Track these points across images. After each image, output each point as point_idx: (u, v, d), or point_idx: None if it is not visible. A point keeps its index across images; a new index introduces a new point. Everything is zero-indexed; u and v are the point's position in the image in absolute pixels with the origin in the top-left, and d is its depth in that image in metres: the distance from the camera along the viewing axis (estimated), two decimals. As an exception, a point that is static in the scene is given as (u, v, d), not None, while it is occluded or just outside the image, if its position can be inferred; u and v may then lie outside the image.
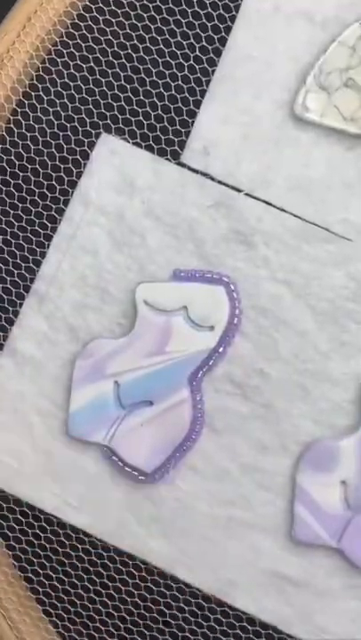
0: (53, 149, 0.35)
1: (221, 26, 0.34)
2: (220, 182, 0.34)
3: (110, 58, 0.35)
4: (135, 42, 0.35)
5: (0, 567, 0.36)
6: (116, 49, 0.35)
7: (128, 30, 0.35)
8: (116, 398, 0.34)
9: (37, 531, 0.36)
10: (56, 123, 0.35)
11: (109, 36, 0.35)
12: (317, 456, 0.34)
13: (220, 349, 0.34)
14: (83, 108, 0.35)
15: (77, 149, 0.35)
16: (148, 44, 0.35)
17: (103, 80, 0.35)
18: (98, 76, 0.35)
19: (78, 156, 0.35)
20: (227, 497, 0.34)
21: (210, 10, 0.34)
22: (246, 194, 0.34)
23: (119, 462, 0.35)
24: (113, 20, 0.35)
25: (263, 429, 0.34)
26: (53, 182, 0.35)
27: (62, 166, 0.35)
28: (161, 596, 0.35)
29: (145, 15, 0.35)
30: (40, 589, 0.36)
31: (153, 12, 0.35)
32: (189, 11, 0.34)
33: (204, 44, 0.35)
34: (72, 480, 0.35)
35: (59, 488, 0.35)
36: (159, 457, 0.34)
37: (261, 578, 0.34)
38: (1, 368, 0.35)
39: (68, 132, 0.35)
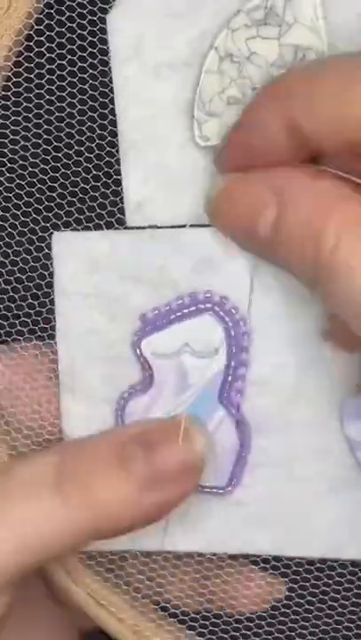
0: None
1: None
2: (166, 227, 0.38)
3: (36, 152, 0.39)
4: (44, 139, 0.39)
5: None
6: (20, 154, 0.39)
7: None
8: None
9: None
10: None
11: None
12: (354, 405, 0.38)
13: (233, 363, 0.38)
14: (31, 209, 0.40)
15: (31, 248, 0.40)
16: (55, 134, 0.39)
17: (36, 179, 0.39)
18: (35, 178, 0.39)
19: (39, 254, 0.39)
20: (298, 476, 0.39)
21: (90, 85, 0.38)
22: (191, 225, 0.38)
23: (198, 487, 0.39)
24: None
25: (300, 408, 0.38)
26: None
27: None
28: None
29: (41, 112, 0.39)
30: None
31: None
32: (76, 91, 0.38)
33: (100, 121, 0.38)
34: (168, 519, 0.40)
35: (159, 530, 0.40)
36: (227, 471, 0.39)
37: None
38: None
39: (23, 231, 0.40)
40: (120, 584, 0.41)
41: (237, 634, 0.41)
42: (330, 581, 0.40)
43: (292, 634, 0.40)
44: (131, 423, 0.39)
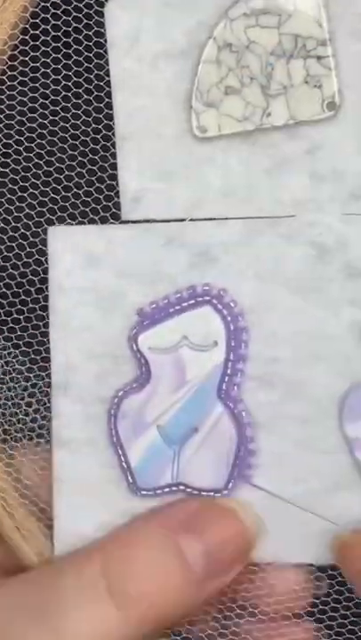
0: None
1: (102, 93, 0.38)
2: (162, 221, 0.38)
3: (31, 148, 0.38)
4: (39, 133, 0.39)
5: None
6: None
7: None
8: (165, 439, 0.38)
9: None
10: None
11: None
12: (354, 405, 0.37)
13: (231, 357, 0.37)
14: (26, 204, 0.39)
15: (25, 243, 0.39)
16: (50, 130, 0.39)
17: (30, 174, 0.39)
18: (32, 174, 0.39)
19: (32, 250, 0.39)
20: (295, 476, 0.38)
21: (85, 78, 0.38)
22: (190, 219, 0.38)
23: (194, 491, 0.38)
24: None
25: (299, 404, 0.38)
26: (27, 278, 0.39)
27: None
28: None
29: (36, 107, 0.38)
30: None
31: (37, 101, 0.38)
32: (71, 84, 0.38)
33: (95, 114, 0.38)
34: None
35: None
36: (224, 470, 0.38)
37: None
38: (61, 461, 0.39)
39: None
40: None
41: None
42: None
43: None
44: (170, 504, 0.38)
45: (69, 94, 0.38)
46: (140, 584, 0.34)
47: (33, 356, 0.39)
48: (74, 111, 0.38)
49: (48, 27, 0.38)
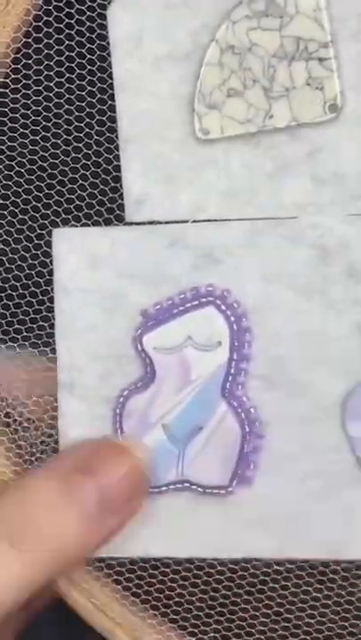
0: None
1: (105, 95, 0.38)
2: (166, 223, 0.38)
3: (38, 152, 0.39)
4: (43, 135, 0.39)
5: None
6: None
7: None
8: (170, 438, 0.38)
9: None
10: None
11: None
12: (356, 405, 0.38)
13: (235, 356, 0.38)
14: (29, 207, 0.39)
15: (30, 245, 0.39)
16: (54, 132, 0.39)
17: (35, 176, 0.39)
18: (33, 176, 0.39)
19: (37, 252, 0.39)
20: (299, 474, 0.38)
21: (88, 81, 0.38)
22: (193, 221, 0.38)
23: (199, 488, 0.38)
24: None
25: (301, 404, 0.38)
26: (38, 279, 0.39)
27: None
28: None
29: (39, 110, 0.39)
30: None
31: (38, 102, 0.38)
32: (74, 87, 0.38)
33: (98, 117, 0.38)
34: (165, 524, 0.39)
35: (156, 535, 0.39)
36: (228, 468, 0.38)
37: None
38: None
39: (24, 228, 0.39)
40: (119, 589, 0.40)
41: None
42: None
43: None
44: (63, 451, 0.38)
45: (72, 97, 0.38)
46: (36, 526, 0.35)
47: (39, 357, 0.40)
48: (77, 113, 0.38)
49: (51, 29, 0.38)
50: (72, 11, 0.37)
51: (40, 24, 0.38)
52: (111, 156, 0.38)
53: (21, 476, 0.40)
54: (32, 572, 0.35)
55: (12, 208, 0.39)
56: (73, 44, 0.38)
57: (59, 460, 0.38)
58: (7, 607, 0.35)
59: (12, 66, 0.38)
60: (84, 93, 0.38)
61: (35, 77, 0.38)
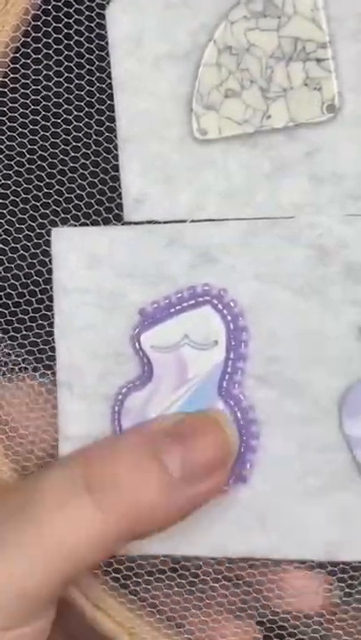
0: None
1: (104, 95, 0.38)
2: (164, 222, 0.38)
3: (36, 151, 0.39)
4: (42, 135, 0.39)
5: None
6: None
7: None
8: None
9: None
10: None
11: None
12: (354, 402, 0.38)
13: (232, 355, 0.38)
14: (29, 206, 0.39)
15: (29, 245, 0.39)
16: (53, 132, 0.39)
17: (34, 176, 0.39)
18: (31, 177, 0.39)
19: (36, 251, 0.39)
20: (295, 473, 0.38)
21: (87, 81, 0.38)
22: (192, 221, 0.38)
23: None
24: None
25: (298, 403, 0.38)
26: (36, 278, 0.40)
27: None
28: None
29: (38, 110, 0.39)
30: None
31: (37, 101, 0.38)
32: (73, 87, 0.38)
33: (97, 116, 0.38)
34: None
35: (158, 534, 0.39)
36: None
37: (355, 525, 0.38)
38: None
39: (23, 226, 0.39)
40: (117, 587, 0.40)
41: None
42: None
43: None
44: (160, 416, 0.38)
45: (71, 96, 0.38)
46: (118, 485, 0.35)
47: (38, 356, 0.40)
48: (76, 113, 0.38)
49: (50, 29, 0.38)
50: (71, 10, 0.37)
51: (39, 24, 0.38)
52: (110, 156, 0.38)
53: (27, 473, 0.40)
54: (112, 527, 0.35)
55: (11, 207, 0.39)
56: (72, 43, 0.38)
57: (149, 423, 0.38)
58: (87, 563, 0.35)
59: (11, 65, 0.38)
60: (82, 93, 0.38)
61: (33, 77, 0.38)
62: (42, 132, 0.39)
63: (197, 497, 0.36)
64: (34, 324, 0.40)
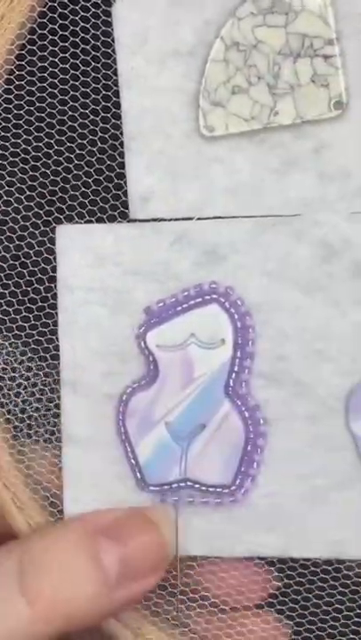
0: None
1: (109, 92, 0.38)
2: (170, 220, 0.38)
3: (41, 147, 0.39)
4: (47, 132, 0.39)
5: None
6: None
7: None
8: (172, 436, 0.38)
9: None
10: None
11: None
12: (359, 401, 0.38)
13: (238, 354, 0.38)
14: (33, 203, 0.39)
15: (33, 242, 0.39)
16: (58, 129, 0.39)
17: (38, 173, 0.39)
18: (37, 174, 0.39)
19: (41, 248, 0.39)
20: (302, 473, 0.38)
21: (93, 78, 0.38)
22: (198, 218, 0.38)
23: (202, 487, 0.38)
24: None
25: (305, 402, 0.38)
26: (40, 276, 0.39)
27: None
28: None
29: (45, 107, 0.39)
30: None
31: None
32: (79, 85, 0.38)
33: (103, 114, 0.38)
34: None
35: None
36: (232, 467, 0.38)
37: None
38: (70, 458, 0.39)
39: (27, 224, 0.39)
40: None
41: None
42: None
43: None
44: (96, 512, 0.38)
45: (77, 94, 0.38)
46: (52, 582, 0.35)
47: (42, 354, 0.40)
48: (82, 110, 0.38)
49: (56, 26, 0.38)
50: (77, 7, 0.37)
51: (45, 21, 0.38)
52: (116, 153, 0.38)
53: (45, 525, 0.39)
54: (40, 627, 0.34)
55: (15, 205, 0.39)
56: (78, 40, 0.38)
57: (86, 519, 0.38)
58: None
59: (17, 62, 0.38)
60: (88, 90, 0.38)
61: (39, 74, 0.38)
62: (47, 130, 0.39)
63: (130, 597, 0.36)
64: (38, 323, 0.39)
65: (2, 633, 0.34)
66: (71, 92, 0.38)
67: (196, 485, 0.38)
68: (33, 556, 0.36)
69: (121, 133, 0.38)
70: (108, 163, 0.38)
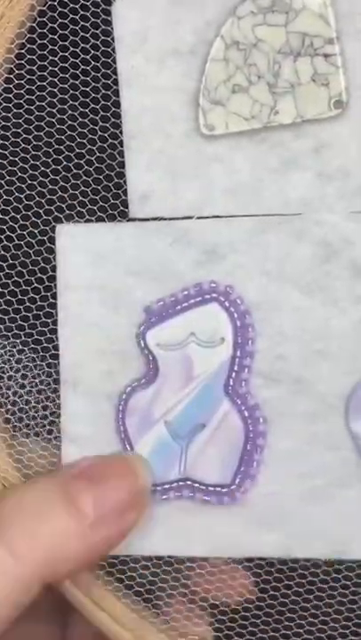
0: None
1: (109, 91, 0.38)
2: (170, 219, 0.38)
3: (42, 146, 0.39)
4: (46, 131, 0.39)
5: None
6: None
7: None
8: (172, 435, 0.38)
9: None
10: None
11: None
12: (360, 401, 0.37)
13: (238, 353, 0.38)
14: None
15: (33, 242, 0.39)
16: (58, 128, 0.39)
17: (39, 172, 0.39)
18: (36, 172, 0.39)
19: (41, 248, 0.39)
20: (302, 472, 0.38)
21: (93, 77, 0.38)
22: (198, 217, 0.38)
23: (201, 487, 0.38)
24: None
25: (305, 401, 0.38)
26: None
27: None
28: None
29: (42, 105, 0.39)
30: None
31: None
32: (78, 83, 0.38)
33: (102, 113, 0.38)
34: (167, 522, 0.39)
35: (158, 534, 0.39)
36: (231, 466, 0.38)
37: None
38: (69, 457, 0.39)
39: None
40: (121, 588, 0.40)
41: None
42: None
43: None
44: (75, 460, 0.38)
45: (77, 93, 0.38)
46: (29, 527, 0.35)
47: (42, 354, 0.40)
48: (81, 109, 0.38)
49: (55, 25, 0.38)
50: (76, 6, 0.37)
51: (44, 19, 0.37)
52: (115, 152, 0.38)
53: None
54: (24, 572, 0.34)
55: (15, 204, 0.39)
56: (77, 39, 0.37)
57: (60, 469, 0.38)
58: (7, 609, 0.34)
59: (17, 61, 0.38)
60: (88, 89, 0.38)
61: (39, 73, 0.38)
62: (47, 128, 0.39)
63: (111, 538, 0.36)
64: (37, 322, 0.39)
65: None
66: (71, 91, 0.38)
67: (196, 485, 0.38)
68: (8, 506, 0.36)
69: (121, 132, 0.38)
70: (108, 162, 0.38)
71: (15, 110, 0.38)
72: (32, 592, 0.35)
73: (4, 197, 0.39)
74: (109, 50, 0.38)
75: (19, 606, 0.35)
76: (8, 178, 0.39)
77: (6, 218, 0.39)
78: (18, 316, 0.39)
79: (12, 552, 0.34)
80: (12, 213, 0.39)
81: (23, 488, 0.38)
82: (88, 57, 0.38)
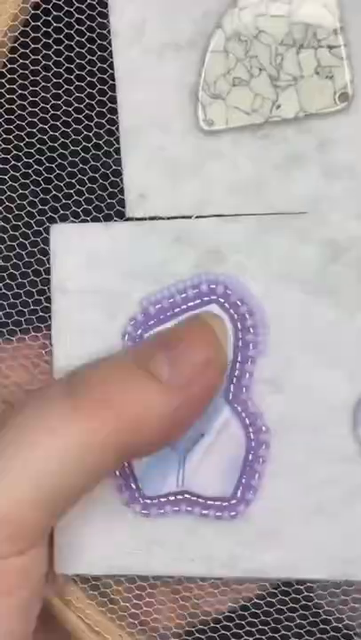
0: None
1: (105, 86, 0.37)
2: (169, 218, 0.36)
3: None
4: (40, 128, 0.37)
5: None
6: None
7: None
8: (170, 445, 0.36)
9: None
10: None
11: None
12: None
13: (239, 358, 0.36)
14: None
15: (26, 243, 0.38)
16: (52, 124, 0.37)
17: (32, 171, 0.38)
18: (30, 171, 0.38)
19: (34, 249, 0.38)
20: (309, 483, 0.36)
21: (88, 71, 0.36)
22: (197, 216, 0.36)
23: (200, 500, 0.37)
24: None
25: (310, 408, 0.36)
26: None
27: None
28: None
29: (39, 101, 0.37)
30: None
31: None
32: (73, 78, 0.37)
33: (98, 108, 0.37)
34: (163, 539, 0.37)
35: (155, 551, 0.37)
36: (232, 478, 0.36)
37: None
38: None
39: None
40: (115, 609, 0.38)
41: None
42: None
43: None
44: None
45: (72, 87, 0.37)
46: (107, 402, 0.33)
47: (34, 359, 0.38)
48: (76, 105, 0.37)
49: (50, 18, 0.36)
50: (72, -1, 0.36)
51: (39, 12, 0.36)
52: (111, 149, 0.37)
53: None
54: (103, 449, 0.33)
55: (7, 203, 0.38)
56: (73, 32, 0.36)
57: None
58: (77, 489, 0.33)
59: (10, 55, 0.37)
60: (83, 84, 0.37)
61: (32, 67, 0.37)
62: (40, 125, 0.37)
63: (192, 399, 0.34)
64: (30, 327, 0.38)
65: (64, 465, 0.32)
66: (65, 86, 0.37)
67: (195, 498, 0.37)
68: (84, 382, 0.34)
69: (117, 128, 0.36)
70: (104, 159, 0.37)
71: (7, 106, 0.37)
72: (112, 463, 0.34)
73: (-3, 197, 0.38)
74: (105, 43, 0.36)
75: (100, 476, 0.34)
76: (0, 176, 0.38)
77: (-2, 218, 0.38)
78: (10, 321, 0.38)
79: (89, 425, 0.32)
80: (4, 213, 0.38)
81: (98, 363, 0.35)
82: (84, 51, 0.37)
